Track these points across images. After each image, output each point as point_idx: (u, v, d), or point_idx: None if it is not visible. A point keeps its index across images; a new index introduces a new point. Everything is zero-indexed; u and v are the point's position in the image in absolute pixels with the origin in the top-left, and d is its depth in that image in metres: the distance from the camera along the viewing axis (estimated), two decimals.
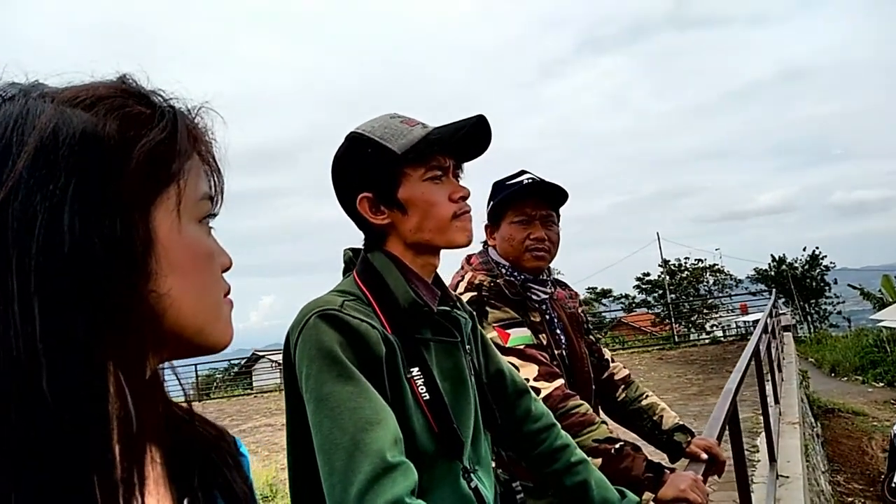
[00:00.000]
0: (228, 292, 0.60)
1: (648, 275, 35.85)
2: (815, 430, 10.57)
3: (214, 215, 0.60)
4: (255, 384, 24.98)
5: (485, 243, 1.96)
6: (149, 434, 0.55)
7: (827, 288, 37.47)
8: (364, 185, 1.18)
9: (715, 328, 27.36)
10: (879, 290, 29.74)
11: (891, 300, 27.48)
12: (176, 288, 0.53)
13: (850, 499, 10.12)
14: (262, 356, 30.18)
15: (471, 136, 1.19)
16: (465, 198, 1.20)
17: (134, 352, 0.50)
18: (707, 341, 18.53)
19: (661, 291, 33.70)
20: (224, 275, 0.62)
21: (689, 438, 1.90)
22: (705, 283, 35.49)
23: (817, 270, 37.70)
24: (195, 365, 21.95)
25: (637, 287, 36.11)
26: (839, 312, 37.68)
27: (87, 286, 0.47)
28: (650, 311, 32.87)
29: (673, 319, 24.05)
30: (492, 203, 1.86)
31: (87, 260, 0.47)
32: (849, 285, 34.07)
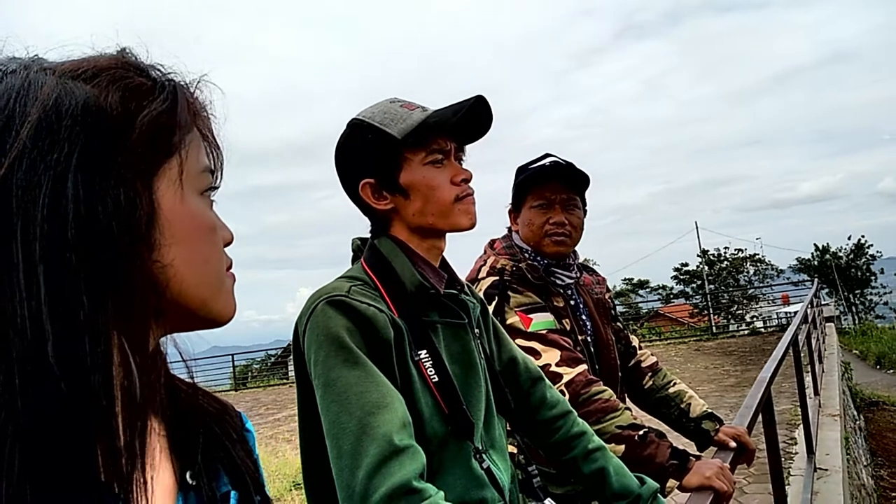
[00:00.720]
0: (230, 266, 0.61)
1: (686, 265, 35.36)
2: (857, 422, 10.30)
3: (215, 188, 0.60)
4: (290, 374, 25.32)
5: (509, 227, 1.94)
6: (151, 405, 0.55)
7: (873, 278, 36.49)
8: (366, 170, 1.18)
9: (755, 319, 26.84)
10: None
11: None
12: (179, 258, 0.53)
13: (893, 494, 9.86)
14: None
15: (471, 118, 1.18)
16: (467, 180, 1.20)
17: (138, 322, 0.50)
18: (746, 332, 18.18)
19: (699, 282, 33.18)
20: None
21: (718, 426, 1.86)
22: (745, 274, 34.83)
23: (863, 259, 36.71)
24: (232, 355, 22.43)
25: (675, 278, 35.61)
26: (886, 303, 36.70)
27: (91, 255, 0.47)
28: (688, 302, 32.38)
29: (711, 310, 23.67)
30: (513, 186, 1.84)
31: (91, 229, 0.47)
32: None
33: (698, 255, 34.56)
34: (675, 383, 1.99)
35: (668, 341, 18.15)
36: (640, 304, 31.67)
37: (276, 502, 6.05)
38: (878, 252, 36.84)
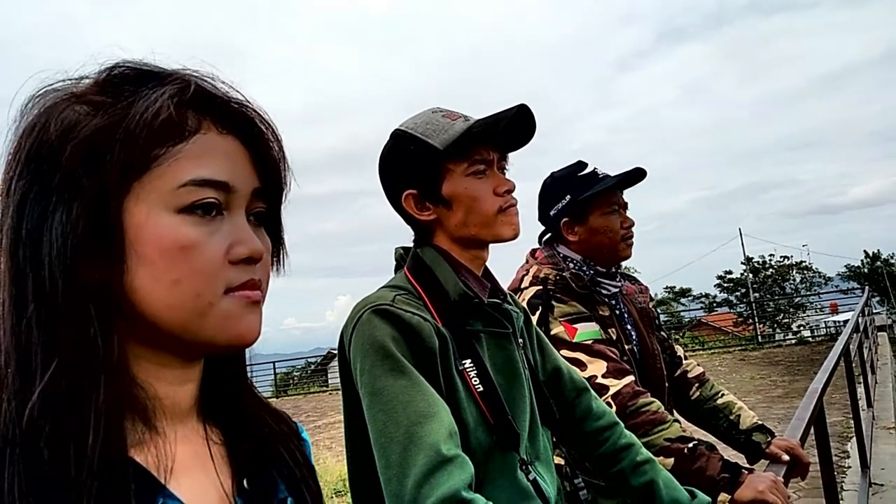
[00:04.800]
0: (246, 286, 0.56)
1: (730, 272, 34.62)
2: None
3: (213, 205, 0.54)
4: (330, 381, 25.53)
5: (549, 238, 1.92)
6: (169, 415, 0.57)
7: None
8: (408, 181, 1.18)
9: (802, 328, 26.14)
10: None
11: None
12: (146, 281, 0.52)
13: None
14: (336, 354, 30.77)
15: (514, 127, 1.17)
16: (510, 191, 1.19)
17: (108, 345, 0.51)
18: (793, 342, 17.70)
19: (743, 290, 32.45)
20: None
21: (770, 439, 1.81)
22: (791, 281, 33.96)
23: None
24: (273, 363, 22.74)
25: (718, 286, 34.89)
26: None
27: (65, 280, 0.50)
28: (732, 311, 31.69)
29: (756, 319, 23.12)
30: (572, 198, 1.81)
31: (58, 255, 0.49)
32: None
33: (742, 263, 33.83)
34: (723, 394, 1.95)
35: (712, 351, 17.77)
36: (682, 313, 31.09)
37: None
38: None
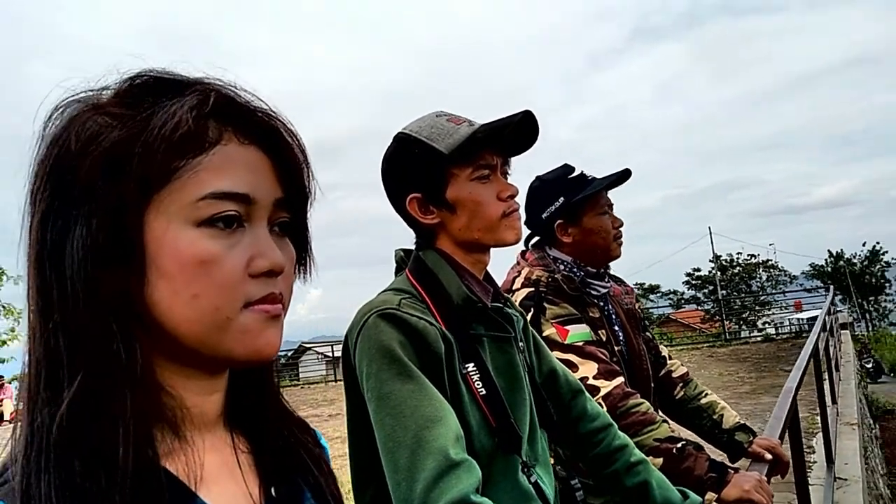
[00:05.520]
0: (267, 300, 0.55)
1: (699, 270, 35.18)
2: (873, 431, 10.22)
3: (234, 217, 0.54)
4: (301, 375, 25.39)
5: (538, 240, 1.94)
6: (197, 424, 0.57)
7: (887, 284, 36.15)
8: (412, 185, 1.19)
9: (767, 325, 26.68)
10: None
11: None
12: (166, 294, 0.52)
13: None
14: (309, 348, 30.68)
15: (518, 132, 1.19)
16: (513, 196, 1.20)
17: (131, 355, 0.51)
18: (759, 339, 18.06)
19: (711, 287, 32.99)
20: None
21: (751, 438, 1.85)
22: (758, 279, 34.64)
23: (877, 266, 36.39)
24: None
25: (686, 283, 35.44)
26: None
27: (86, 293, 0.50)
28: (699, 308, 32.21)
29: (724, 316, 23.55)
30: (566, 200, 1.83)
31: (80, 268, 0.50)
32: None
33: (711, 261, 34.41)
34: (706, 394, 1.99)
35: (681, 347, 18.06)
36: (650, 309, 31.53)
37: None
38: (892, 259, 36.52)
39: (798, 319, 25.52)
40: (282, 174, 0.58)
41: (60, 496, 0.46)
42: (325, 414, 11.52)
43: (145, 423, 0.51)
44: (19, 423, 0.51)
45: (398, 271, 1.27)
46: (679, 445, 1.56)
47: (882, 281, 36.30)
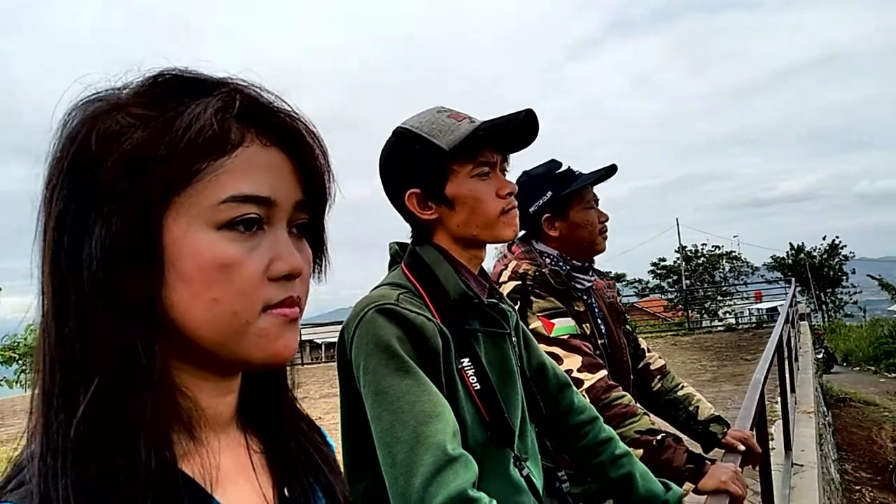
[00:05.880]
0: (286, 303, 0.55)
1: (664, 260, 35.72)
2: (826, 418, 10.56)
3: (254, 220, 0.54)
4: None
5: (526, 233, 1.97)
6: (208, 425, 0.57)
7: (844, 277, 37.13)
8: (412, 180, 1.20)
9: (728, 315, 27.25)
10: None
11: None
12: (185, 298, 0.52)
13: (857, 487, 10.15)
14: None
15: (518, 130, 1.20)
16: (511, 193, 1.22)
17: (150, 357, 0.51)
18: (721, 328, 18.49)
19: (675, 277, 33.56)
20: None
21: (725, 429, 1.92)
22: (721, 270, 35.31)
23: (836, 259, 37.34)
24: None
25: (652, 272, 35.98)
26: (855, 302, 37.40)
27: (105, 294, 0.50)
28: (663, 297, 32.75)
29: (687, 305, 23.97)
30: (553, 194, 1.85)
31: (98, 269, 0.49)
32: (868, 275, 33.80)
33: (676, 251, 34.98)
34: (682, 386, 2.05)
35: (644, 335, 18.38)
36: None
37: None
38: (850, 252, 37.51)
39: (758, 309, 26.15)
40: (302, 176, 0.58)
41: (79, 499, 0.46)
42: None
43: (163, 426, 0.51)
44: (33, 425, 0.50)
45: (392, 265, 1.28)
46: (659, 437, 1.61)
47: (840, 274, 37.26)
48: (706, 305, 29.41)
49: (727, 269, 35.43)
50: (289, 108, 0.57)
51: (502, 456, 1.16)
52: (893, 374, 23.05)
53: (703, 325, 23.14)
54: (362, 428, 1.07)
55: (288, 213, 0.57)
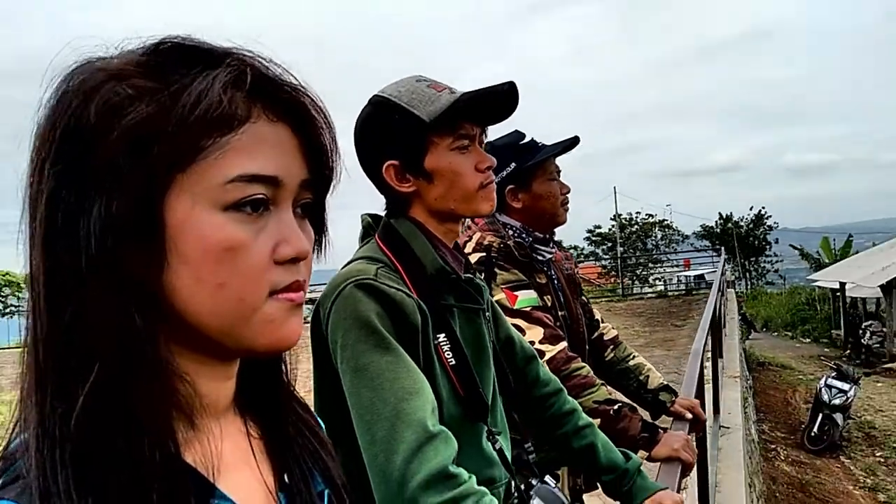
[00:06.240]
0: (292, 287, 0.53)
1: (600, 227, 36.52)
2: (748, 382, 11.14)
3: (261, 201, 0.51)
4: None
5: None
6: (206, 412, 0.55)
7: (768, 247, 38.84)
8: (390, 152, 1.16)
9: (658, 282, 28.21)
10: (817, 252, 31.06)
11: (827, 262, 28.77)
12: (188, 282, 0.49)
13: (772, 446, 10.83)
14: None
15: (498, 102, 1.19)
16: (490, 167, 1.21)
17: (151, 343, 0.49)
18: (653, 295, 19.13)
19: (610, 244, 34.42)
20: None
21: (673, 398, 1.99)
22: (653, 238, 36.41)
23: (761, 229, 38.98)
24: None
25: (587, 239, 36.77)
26: (776, 271, 39.24)
27: (105, 278, 0.47)
28: (597, 264, 33.59)
29: (621, 272, 24.66)
30: (517, 166, 1.85)
31: (97, 250, 0.47)
32: (790, 245, 35.42)
33: (612, 219, 35.80)
34: (634, 356, 2.12)
35: None
36: None
37: None
38: (774, 223, 39.26)
39: (686, 276, 27.18)
40: (308, 153, 0.55)
41: (81, 492, 0.44)
42: None
43: (166, 415, 0.49)
44: (23, 416, 0.48)
45: (364, 237, 1.25)
46: (616, 407, 1.66)
47: (764, 243, 38.99)
48: (638, 272, 30.34)
49: (659, 237, 36.57)
50: (296, 82, 0.54)
51: (476, 430, 1.17)
52: (808, 340, 24.48)
53: (635, 291, 23.87)
54: (338, 405, 1.05)
55: (294, 192, 0.54)
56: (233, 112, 0.49)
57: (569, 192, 1.93)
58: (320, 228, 0.62)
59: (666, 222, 36.80)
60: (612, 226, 35.68)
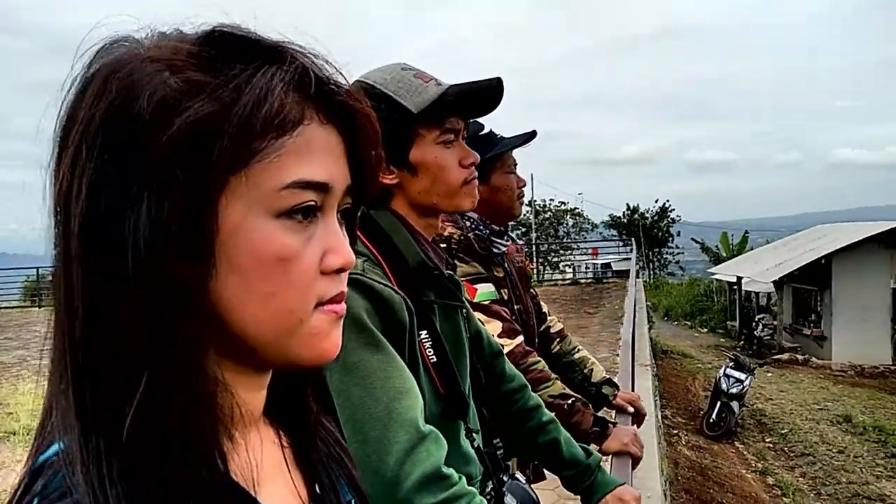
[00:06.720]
0: (335, 299, 0.51)
1: None
2: (654, 370, 11.67)
3: (312, 208, 0.49)
4: None
5: None
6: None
7: (671, 239, 40.68)
8: None
9: (567, 268, 29.07)
10: (716, 246, 32.84)
11: (725, 255, 30.48)
12: (237, 291, 0.47)
13: (675, 431, 11.42)
14: None
15: (484, 97, 1.17)
16: (474, 163, 1.19)
17: (200, 353, 0.46)
18: (567, 282, 19.68)
19: (524, 230, 35.10)
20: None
21: (616, 391, 2.05)
22: (565, 225, 37.43)
23: (664, 222, 40.75)
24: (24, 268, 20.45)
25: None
26: (678, 262, 41.20)
27: (153, 282, 0.44)
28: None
29: (536, 259, 25.23)
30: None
31: (146, 253, 0.43)
32: (692, 239, 37.23)
33: (528, 205, 36.50)
34: (578, 349, 2.16)
35: None
36: None
37: None
38: (677, 216, 41.15)
39: (594, 264, 28.15)
40: (353, 158, 0.53)
41: None
42: None
43: (213, 428, 0.47)
44: (56, 422, 0.44)
45: None
46: (570, 401, 1.69)
47: (667, 235, 40.81)
48: (549, 258, 31.15)
49: (570, 224, 37.63)
50: (346, 83, 0.52)
51: (454, 428, 1.15)
52: (705, 330, 25.92)
53: (547, 277, 24.50)
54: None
55: (338, 199, 0.52)
56: (289, 114, 0.47)
57: (525, 185, 1.94)
58: (352, 236, 0.60)
59: (578, 210, 37.90)
60: (528, 212, 36.42)
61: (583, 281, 19.71)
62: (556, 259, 31.81)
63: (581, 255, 31.08)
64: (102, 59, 0.46)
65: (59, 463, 0.43)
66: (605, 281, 18.64)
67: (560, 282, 20.40)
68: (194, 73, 0.45)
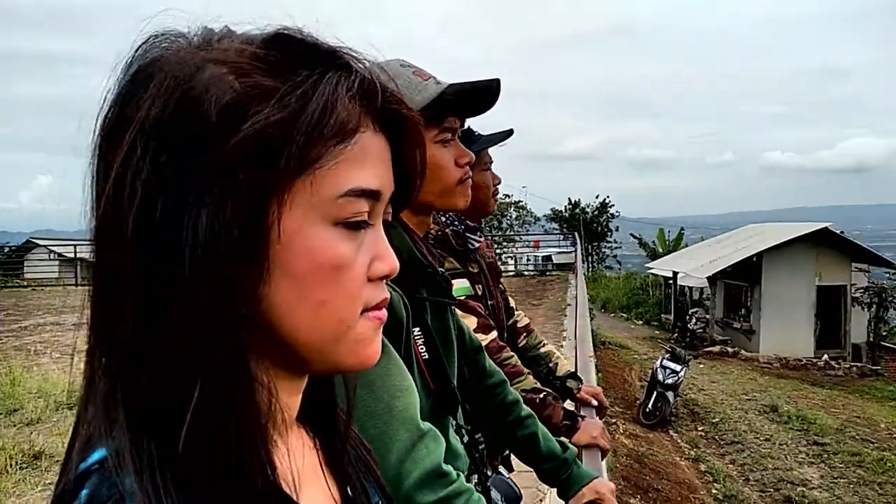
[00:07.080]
0: (378, 306, 0.52)
1: None
2: (594, 361, 11.95)
3: (362, 222, 0.49)
4: (27, 275, 22.60)
5: None
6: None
7: (609, 233, 41.50)
8: None
9: (510, 260, 29.39)
10: (653, 241, 33.76)
11: (661, 251, 31.36)
12: (290, 297, 0.47)
13: (613, 420, 11.73)
14: (38, 245, 27.15)
15: (481, 97, 1.18)
16: (469, 163, 1.20)
17: (252, 360, 0.46)
18: (512, 274, 19.90)
19: None
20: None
21: (580, 385, 2.10)
22: (508, 218, 37.76)
23: (604, 217, 41.53)
24: None
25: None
26: (615, 256, 42.09)
27: (210, 288, 0.43)
28: None
29: None
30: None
31: (205, 259, 0.43)
32: (630, 234, 38.11)
33: None
34: (544, 343, 2.21)
35: None
36: None
37: (37, 424, 5.52)
38: (617, 212, 41.98)
39: (535, 257, 28.55)
40: (398, 167, 0.54)
41: None
42: (67, 322, 10.43)
43: (263, 435, 0.47)
44: (100, 423, 0.44)
45: None
46: (542, 396, 1.73)
47: (606, 230, 41.64)
48: (494, 250, 31.37)
49: (514, 216, 37.99)
50: (397, 91, 0.52)
51: (444, 424, 1.17)
52: (641, 322, 26.65)
53: None
54: None
55: (385, 206, 0.53)
56: (350, 122, 0.47)
57: (500, 182, 1.96)
58: None
59: (521, 203, 38.28)
60: None
61: (526, 273, 19.97)
62: (499, 251, 32.10)
63: (523, 247, 31.45)
64: (151, 54, 0.45)
65: (106, 470, 0.42)
66: (547, 273, 18.95)
67: (505, 274, 20.63)
68: (262, 77, 0.45)
